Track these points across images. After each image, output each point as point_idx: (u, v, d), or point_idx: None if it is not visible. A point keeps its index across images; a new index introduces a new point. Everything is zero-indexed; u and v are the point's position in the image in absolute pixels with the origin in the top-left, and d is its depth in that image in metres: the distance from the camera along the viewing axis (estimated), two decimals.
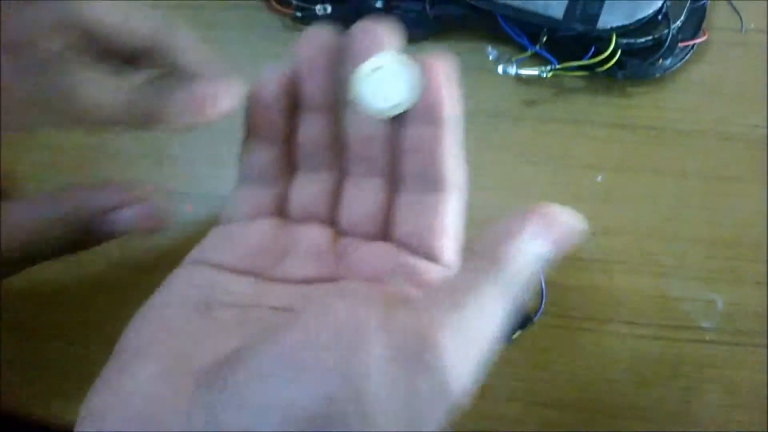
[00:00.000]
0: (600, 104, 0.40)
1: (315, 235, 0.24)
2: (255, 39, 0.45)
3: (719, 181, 0.39)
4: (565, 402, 0.38)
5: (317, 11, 0.42)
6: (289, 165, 0.25)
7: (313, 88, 0.24)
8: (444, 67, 0.23)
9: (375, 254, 0.23)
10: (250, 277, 0.22)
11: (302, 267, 0.23)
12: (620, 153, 0.40)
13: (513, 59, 0.39)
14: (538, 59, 0.39)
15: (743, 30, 0.41)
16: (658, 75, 0.39)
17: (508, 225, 0.20)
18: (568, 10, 0.38)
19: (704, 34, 0.39)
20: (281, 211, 0.25)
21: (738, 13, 0.41)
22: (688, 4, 0.39)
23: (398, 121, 0.23)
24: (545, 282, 0.39)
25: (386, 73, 0.23)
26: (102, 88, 0.23)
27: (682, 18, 0.38)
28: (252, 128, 0.25)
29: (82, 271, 0.41)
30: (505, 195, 0.40)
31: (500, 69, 0.39)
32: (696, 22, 0.39)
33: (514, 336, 0.38)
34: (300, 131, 0.25)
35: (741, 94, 0.40)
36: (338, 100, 0.24)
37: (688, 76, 0.40)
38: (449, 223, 0.23)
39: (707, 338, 0.38)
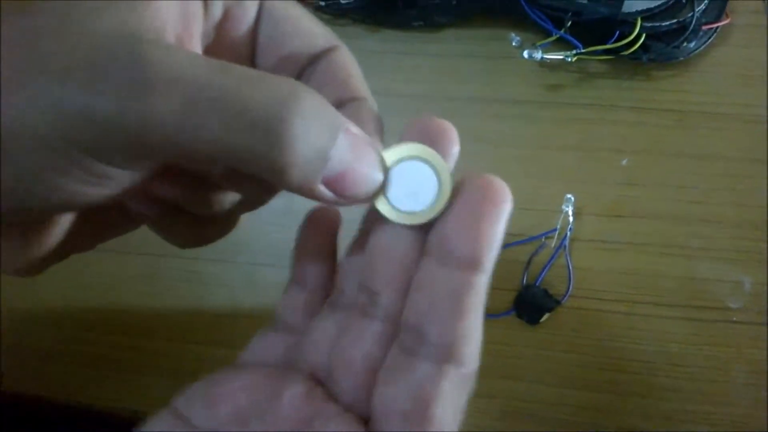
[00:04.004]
0: (624, 88, 0.40)
1: (289, 397, 0.19)
2: None
3: (744, 163, 0.39)
4: (595, 383, 0.38)
5: (341, 0, 0.42)
6: (321, 303, 0.22)
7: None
8: (495, 194, 0.17)
9: None
10: None
11: None
12: (645, 136, 0.40)
13: (537, 44, 0.40)
14: (562, 45, 0.40)
15: (767, 12, 0.41)
16: (682, 58, 0.40)
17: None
18: None
19: (727, 17, 0.40)
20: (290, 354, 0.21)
21: None
22: None
23: (418, 241, 0.18)
24: (573, 265, 0.39)
25: (413, 168, 0.18)
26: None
27: (705, 1, 0.39)
28: (303, 255, 0.22)
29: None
30: (531, 180, 0.40)
31: (526, 54, 0.39)
32: (719, 5, 0.40)
33: (542, 319, 0.39)
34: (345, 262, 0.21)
35: (765, 77, 0.40)
36: None
37: (711, 60, 0.40)
38: (441, 407, 0.17)
39: (735, 318, 0.38)
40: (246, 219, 0.24)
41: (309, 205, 0.20)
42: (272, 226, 0.41)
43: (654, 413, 0.38)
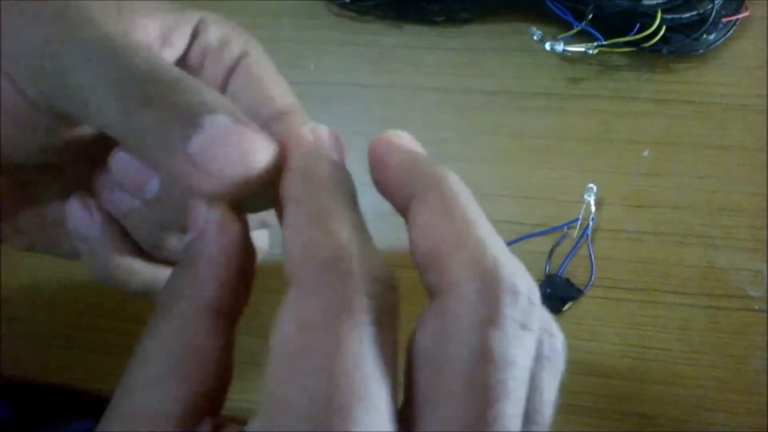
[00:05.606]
0: (645, 80, 0.41)
1: None
2: (302, 24, 0.46)
3: (763, 154, 0.40)
4: (615, 371, 0.39)
5: None
6: None
7: None
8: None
9: None
10: None
11: None
12: (666, 128, 0.41)
13: (559, 37, 0.40)
14: (582, 38, 0.40)
15: None
16: (702, 50, 0.40)
17: None
18: None
19: (746, 10, 0.40)
20: None
21: None
22: None
23: None
24: (594, 255, 0.39)
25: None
26: None
27: None
28: None
29: None
30: (552, 172, 0.41)
31: (548, 45, 0.39)
32: None
33: (565, 308, 0.39)
34: None
35: None
36: None
37: (731, 52, 0.41)
38: None
39: (755, 307, 0.38)
40: None
41: None
42: None
43: (675, 400, 0.38)
